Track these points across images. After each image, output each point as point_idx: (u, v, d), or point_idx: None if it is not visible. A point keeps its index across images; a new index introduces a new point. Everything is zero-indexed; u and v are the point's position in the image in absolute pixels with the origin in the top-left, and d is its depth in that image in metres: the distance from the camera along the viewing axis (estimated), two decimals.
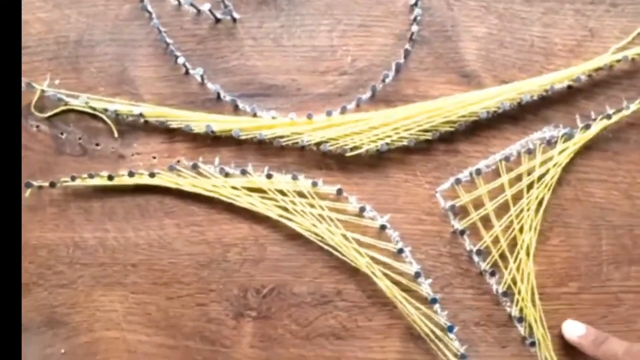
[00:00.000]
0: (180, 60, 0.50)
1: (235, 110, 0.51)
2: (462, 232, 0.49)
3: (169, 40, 0.51)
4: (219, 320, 0.50)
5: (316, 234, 0.49)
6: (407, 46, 0.50)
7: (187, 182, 0.50)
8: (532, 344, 0.48)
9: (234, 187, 0.50)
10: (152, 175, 0.50)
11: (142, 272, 0.51)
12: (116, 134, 0.52)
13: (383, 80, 0.50)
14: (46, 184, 0.51)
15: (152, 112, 0.50)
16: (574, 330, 0.47)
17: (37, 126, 0.52)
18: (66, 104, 0.51)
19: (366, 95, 0.50)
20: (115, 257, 0.51)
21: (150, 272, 0.51)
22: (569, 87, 0.49)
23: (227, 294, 0.50)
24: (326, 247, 0.49)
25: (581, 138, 0.48)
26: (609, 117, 0.48)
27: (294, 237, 0.50)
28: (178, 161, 0.51)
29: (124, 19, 0.52)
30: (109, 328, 0.51)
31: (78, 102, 0.51)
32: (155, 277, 0.51)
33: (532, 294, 0.48)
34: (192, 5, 0.50)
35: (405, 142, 0.49)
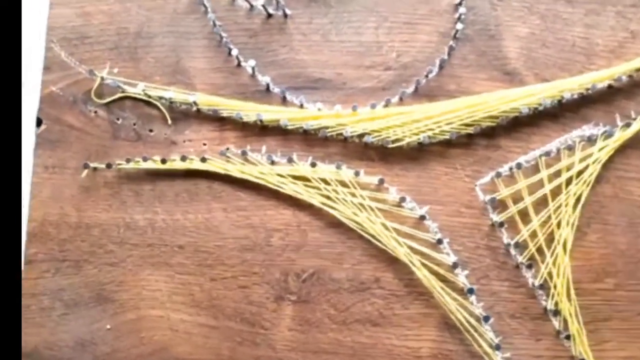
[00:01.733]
0: (234, 52, 0.53)
1: (284, 101, 0.53)
2: (501, 225, 0.50)
3: (223, 34, 0.53)
4: (260, 302, 0.52)
5: (356, 222, 0.51)
6: (452, 43, 0.51)
7: (236, 169, 0.53)
8: (567, 337, 0.49)
9: (279, 175, 0.52)
10: (203, 160, 0.52)
11: (188, 253, 0.53)
12: (169, 121, 0.54)
13: (426, 76, 0.52)
14: (102, 165, 0.53)
15: (205, 100, 0.53)
16: None
17: (95, 112, 0.55)
18: (123, 91, 0.54)
19: (410, 89, 0.52)
20: (163, 238, 0.53)
21: (196, 253, 0.53)
22: (610, 86, 0.50)
23: (268, 278, 0.52)
24: (366, 236, 0.51)
25: (621, 136, 0.49)
26: None
27: (335, 224, 0.52)
28: (227, 148, 0.53)
29: (181, 12, 0.55)
30: (154, 307, 0.53)
31: (135, 90, 0.54)
32: (201, 258, 0.53)
33: (568, 288, 0.49)
34: (245, 0, 0.53)
35: (446, 136, 0.51)
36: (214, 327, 0.52)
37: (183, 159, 0.53)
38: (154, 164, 0.53)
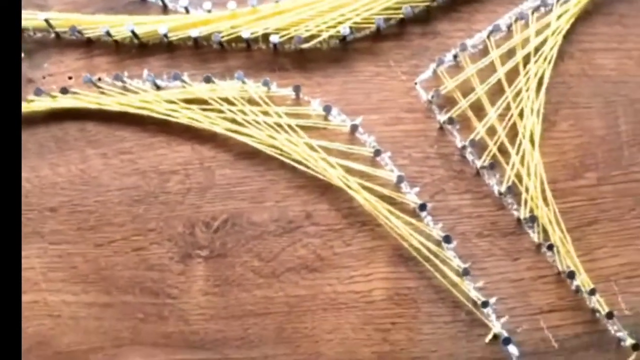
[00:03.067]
0: None
1: (165, 11, 0.43)
2: (451, 122, 0.40)
3: None
4: (162, 265, 0.41)
5: (274, 147, 0.40)
6: None
7: (112, 101, 0.41)
8: (550, 248, 0.39)
9: (168, 101, 0.41)
10: (64, 91, 0.41)
11: (63, 216, 0.41)
12: (22, 54, 0.42)
13: None
14: None
15: (62, 19, 0.41)
16: None
17: None
18: None
19: None
20: (29, 202, 0.42)
21: (73, 215, 0.41)
22: None
23: (169, 233, 0.41)
24: (288, 162, 0.40)
25: None
26: None
27: (248, 155, 0.41)
28: (99, 78, 0.42)
29: None
30: (25, 290, 0.41)
31: None
32: (80, 220, 0.41)
33: (543, 190, 0.40)
34: None
35: (372, 26, 0.41)
36: (106, 304, 0.41)
37: (38, 92, 0.41)
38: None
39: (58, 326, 0.41)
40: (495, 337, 0.40)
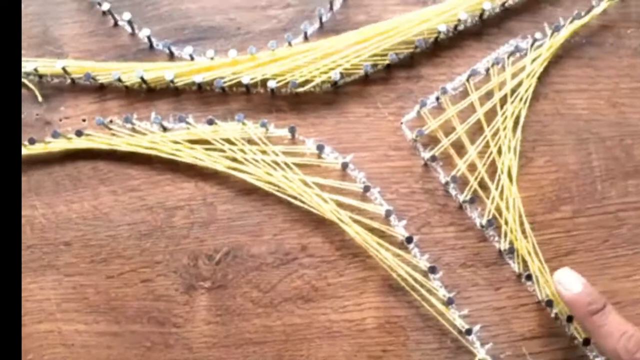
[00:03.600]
0: (105, 6, 0.45)
1: (171, 58, 0.46)
2: (433, 159, 0.43)
3: None
4: (168, 296, 0.43)
5: (272, 184, 0.43)
6: None
7: (122, 141, 0.44)
8: (529, 277, 0.42)
9: (174, 142, 0.44)
10: (79, 133, 0.44)
11: (76, 250, 0.44)
12: (40, 98, 0.46)
13: (331, 8, 0.45)
14: None
15: (76, 66, 0.45)
16: (569, 283, 0.38)
17: None
18: None
19: (313, 26, 0.45)
20: (45, 236, 0.44)
21: (85, 249, 0.44)
22: None
23: (175, 265, 0.44)
24: (285, 198, 0.43)
25: (553, 43, 0.44)
26: (579, 16, 0.44)
27: (247, 191, 0.44)
28: (111, 121, 0.45)
29: None
30: (41, 320, 0.44)
31: None
32: (92, 254, 0.44)
33: (521, 223, 0.42)
34: None
35: (361, 71, 0.44)
36: (116, 333, 0.43)
37: (55, 135, 0.44)
38: (24, 149, 0.44)
39: (71, 354, 0.43)
40: None
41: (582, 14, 0.44)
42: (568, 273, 0.39)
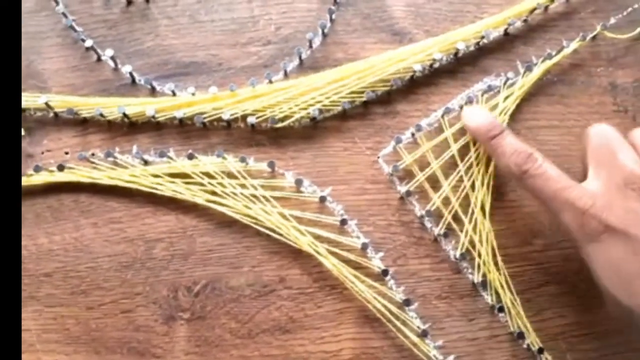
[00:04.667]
0: (88, 43, 0.46)
1: (153, 93, 0.47)
2: (409, 194, 0.44)
3: (76, 27, 0.47)
4: (148, 327, 0.44)
5: (250, 217, 0.44)
6: (332, 7, 0.46)
7: (103, 175, 0.45)
8: (501, 309, 0.43)
9: (154, 175, 0.45)
10: (60, 167, 0.45)
11: (57, 281, 0.45)
12: (23, 131, 0.46)
13: (310, 46, 0.47)
14: None
15: (59, 100, 0.46)
16: (472, 115, 0.42)
17: None
18: None
19: (293, 63, 0.47)
20: (25, 268, 0.45)
21: (66, 280, 0.45)
22: (506, 33, 0.47)
23: (155, 296, 0.44)
24: (263, 231, 0.44)
25: (525, 81, 0.45)
26: (550, 56, 0.45)
27: (227, 224, 0.45)
28: (93, 154, 0.46)
29: (30, 10, 0.48)
30: (22, 351, 0.44)
31: None
32: (73, 285, 0.45)
33: (494, 256, 0.43)
34: None
35: (339, 108, 0.45)
36: None
37: (37, 169, 0.45)
38: None
39: None
40: None
41: (554, 53, 0.46)
42: (473, 108, 0.43)
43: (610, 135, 0.38)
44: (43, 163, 0.46)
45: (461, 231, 0.43)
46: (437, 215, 0.44)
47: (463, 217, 0.43)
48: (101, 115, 0.45)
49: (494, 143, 0.40)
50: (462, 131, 0.44)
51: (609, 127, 0.39)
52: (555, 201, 0.37)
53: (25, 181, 0.45)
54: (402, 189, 0.44)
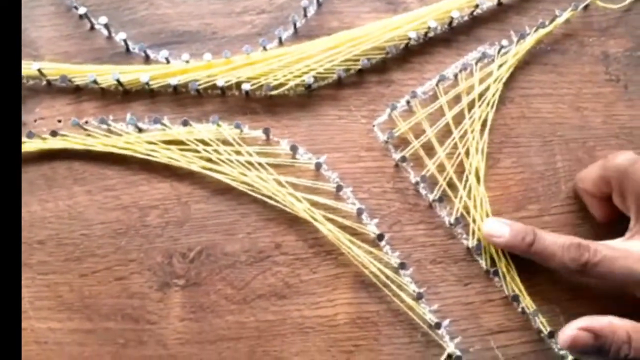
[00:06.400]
0: (81, 10, 0.46)
1: (147, 61, 0.47)
2: (404, 159, 0.44)
3: None
4: (142, 293, 0.44)
5: (246, 184, 0.44)
6: None
7: (97, 142, 0.45)
8: (495, 273, 0.43)
9: (149, 142, 0.45)
10: (54, 134, 0.45)
11: (50, 248, 0.44)
12: None
13: (305, 15, 0.47)
14: None
15: (52, 68, 0.45)
16: (498, 231, 0.41)
17: None
18: None
19: (288, 32, 0.47)
20: None
21: (59, 247, 0.44)
22: (499, 3, 0.47)
23: (149, 263, 0.44)
24: (259, 197, 0.44)
25: (519, 50, 0.45)
26: (543, 25, 0.46)
27: (222, 191, 0.45)
28: (86, 122, 0.46)
29: None
30: None
31: None
32: (66, 252, 0.44)
33: None
34: None
35: (334, 76, 0.45)
36: (90, 330, 0.43)
37: (30, 135, 0.44)
38: None
39: (44, 352, 0.43)
40: (450, 356, 0.43)
41: (547, 22, 0.46)
42: (493, 223, 0.41)
43: None
44: (36, 131, 0.45)
45: (455, 197, 0.44)
46: (431, 182, 0.44)
47: (457, 183, 0.44)
48: (95, 82, 0.45)
49: (535, 249, 0.39)
50: (457, 99, 0.45)
51: None
52: (632, 277, 0.37)
53: None
54: (397, 156, 0.45)
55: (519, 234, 0.40)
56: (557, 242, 0.39)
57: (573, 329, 0.36)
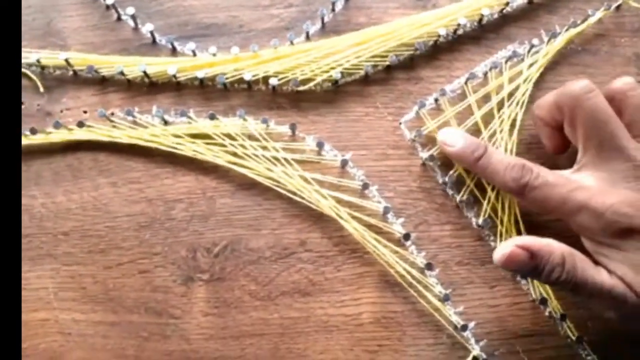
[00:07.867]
0: (109, 1, 0.46)
1: (174, 53, 0.46)
2: (431, 159, 0.44)
3: None
4: (166, 287, 0.44)
5: (271, 179, 0.43)
6: None
7: (123, 134, 0.45)
8: (523, 276, 0.43)
9: (175, 135, 0.45)
10: (80, 124, 0.44)
11: (75, 240, 0.44)
12: (41, 89, 0.46)
13: (333, 10, 0.46)
14: None
15: (79, 58, 0.45)
16: (451, 139, 0.41)
17: None
18: None
19: (315, 26, 0.46)
20: (43, 226, 0.45)
21: (84, 239, 0.44)
22: (530, 2, 0.46)
23: (173, 257, 0.44)
24: (284, 193, 0.43)
25: (549, 49, 0.45)
26: (575, 25, 0.45)
27: (247, 186, 0.44)
28: (112, 113, 0.46)
29: None
30: (38, 309, 0.44)
31: None
32: (91, 244, 0.44)
33: (517, 223, 0.43)
34: None
35: (361, 72, 0.45)
36: (113, 323, 0.43)
37: (57, 125, 0.44)
38: (25, 139, 0.45)
39: (68, 343, 0.43)
40: (475, 359, 0.43)
41: (578, 22, 0.45)
42: (449, 131, 0.42)
43: (606, 112, 0.37)
44: (62, 122, 0.45)
45: (483, 198, 0.43)
46: (459, 182, 0.44)
47: (486, 184, 0.43)
48: (122, 73, 0.45)
49: (482, 164, 0.39)
50: (486, 98, 0.44)
51: (598, 94, 0.37)
52: (566, 206, 0.36)
53: (44, 139, 0.45)
54: (425, 154, 0.44)
55: (470, 146, 0.40)
56: (504, 161, 0.39)
57: (510, 246, 0.36)
